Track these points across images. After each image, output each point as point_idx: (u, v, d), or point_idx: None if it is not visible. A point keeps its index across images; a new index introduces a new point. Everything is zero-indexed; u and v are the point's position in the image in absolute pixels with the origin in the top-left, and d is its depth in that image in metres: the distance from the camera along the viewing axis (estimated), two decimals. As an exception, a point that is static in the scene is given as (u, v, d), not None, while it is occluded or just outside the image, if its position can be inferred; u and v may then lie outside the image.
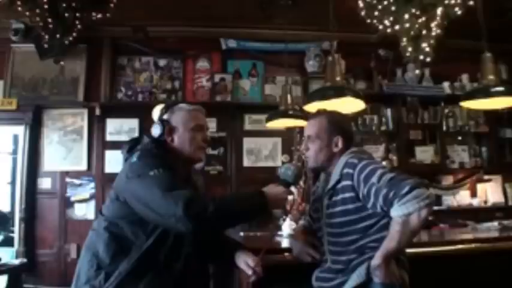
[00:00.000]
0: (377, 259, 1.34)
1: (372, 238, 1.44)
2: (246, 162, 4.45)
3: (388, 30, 2.88)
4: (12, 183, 4.55)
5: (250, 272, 1.50)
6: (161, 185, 1.28)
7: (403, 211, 1.30)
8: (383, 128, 4.51)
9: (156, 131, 1.51)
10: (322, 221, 1.62)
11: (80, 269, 1.41)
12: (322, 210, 1.61)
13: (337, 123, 1.65)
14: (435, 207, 4.35)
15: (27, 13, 3.27)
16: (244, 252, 1.57)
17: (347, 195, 1.49)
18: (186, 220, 1.21)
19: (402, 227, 1.30)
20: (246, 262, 1.52)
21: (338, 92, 2.29)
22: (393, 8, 2.78)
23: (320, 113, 1.72)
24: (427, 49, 2.81)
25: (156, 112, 1.62)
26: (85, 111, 4.31)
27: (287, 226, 2.64)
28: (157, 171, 1.32)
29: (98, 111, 4.23)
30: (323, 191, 1.63)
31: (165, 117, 1.55)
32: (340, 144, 1.61)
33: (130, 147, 1.51)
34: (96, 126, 4.32)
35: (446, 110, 4.56)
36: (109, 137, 4.31)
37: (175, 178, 1.36)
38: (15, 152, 4.58)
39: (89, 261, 1.38)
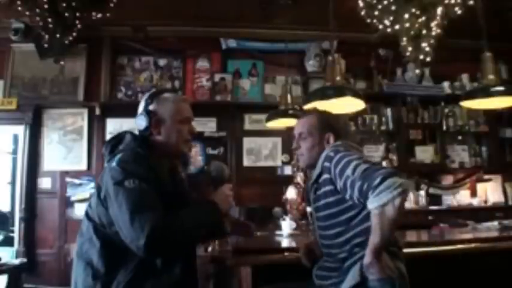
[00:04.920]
0: (367, 257, 1.34)
1: (356, 230, 1.45)
2: (246, 162, 4.45)
3: (388, 29, 2.89)
4: (12, 183, 4.55)
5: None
6: (131, 204, 1.24)
7: (378, 202, 1.30)
8: (383, 127, 4.51)
9: (141, 123, 1.45)
10: (313, 216, 1.65)
11: (76, 279, 1.36)
12: (311, 205, 1.65)
13: (327, 120, 1.68)
14: (435, 207, 4.37)
15: (27, 13, 3.27)
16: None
17: (327, 188, 1.51)
18: (145, 252, 1.21)
19: (380, 219, 1.31)
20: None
21: (338, 91, 2.29)
22: (393, 8, 2.79)
23: (310, 112, 1.75)
24: (427, 49, 2.81)
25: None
26: (85, 111, 4.32)
27: (287, 226, 2.64)
28: (132, 181, 1.27)
29: (97, 111, 4.23)
30: (310, 188, 1.67)
31: (150, 108, 1.46)
32: (331, 141, 1.62)
33: (112, 146, 1.46)
34: (96, 126, 4.32)
35: (446, 110, 4.56)
36: (109, 137, 4.28)
37: (149, 193, 1.30)
38: (15, 151, 4.58)
39: (83, 270, 1.33)
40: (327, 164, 1.50)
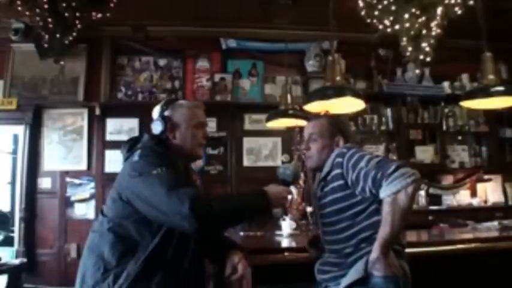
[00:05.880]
0: (375, 252, 1.35)
1: (362, 225, 1.47)
2: (246, 162, 4.46)
3: (388, 29, 2.89)
4: (12, 183, 4.55)
5: (229, 271, 1.50)
6: (165, 184, 1.28)
7: (391, 189, 1.32)
8: (383, 127, 4.52)
9: (157, 127, 1.51)
10: (316, 213, 1.68)
11: (84, 273, 1.37)
12: (316, 203, 1.67)
13: (337, 124, 1.71)
14: (435, 207, 4.37)
15: (27, 13, 3.27)
16: (233, 251, 1.56)
17: (336, 184, 1.53)
18: (192, 218, 1.21)
19: (392, 207, 1.33)
20: (231, 260, 1.51)
21: (338, 91, 2.29)
22: (393, 8, 2.78)
23: (320, 115, 1.82)
24: (427, 49, 2.81)
25: (155, 110, 1.61)
26: (85, 111, 4.31)
27: (287, 226, 2.64)
28: (160, 169, 1.32)
29: (97, 111, 4.23)
30: (316, 186, 1.68)
31: (166, 113, 1.54)
32: (340, 144, 1.65)
33: (130, 146, 1.51)
34: (96, 126, 4.32)
35: (446, 110, 4.56)
36: (109, 137, 4.31)
37: (179, 176, 1.37)
38: (15, 152, 4.58)
39: (94, 264, 1.35)
40: (339, 159, 1.53)
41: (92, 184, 4.24)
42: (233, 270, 1.49)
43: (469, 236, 2.47)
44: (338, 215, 1.52)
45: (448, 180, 4.64)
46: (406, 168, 1.35)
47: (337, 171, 1.53)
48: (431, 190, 4.48)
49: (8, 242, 4.14)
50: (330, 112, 1.92)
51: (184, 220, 1.22)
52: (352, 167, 1.46)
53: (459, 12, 2.74)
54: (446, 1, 2.71)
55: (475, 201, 4.51)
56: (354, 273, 1.41)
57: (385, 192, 1.34)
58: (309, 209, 3.03)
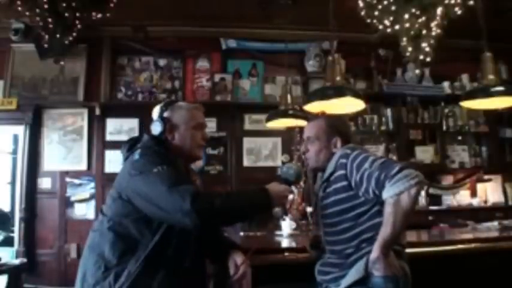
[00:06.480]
0: (375, 251, 1.35)
1: (364, 226, 1.47)
2: (246, 162, 4.46)
3: (388, 29, 2.89)
4: (12, 183, 4.54)
5: (232, 271, 1.51)
6: (166, 181, 1.28)
7: (394, 190, 1.33)
8: (383, 128, 4.51)
9: (156, 128, 1.52)
10: (318, 214, 1.67)
11: (85, 272, 1.38)
12: (318, 203, 1.67)
13: (335, 125, 1.71)
14: (435, 207, 4.37)
15: (27, 13, 3.27)
16: (235, 251, 1.57)
17: (339, 184, 1.53)
18: (194, 214, 1.21)
19: (394, 208, 1.33)
20: (234, 260, 1.53)
21: (338, 91, 2.29)
22: (393, 8, 2.78)
23: (319, 116, 1.81)
24: (427, 49, 2.81)
25: (155, 110, 1.61)
26: (85, 111, 4.31)
27: (287, 226, 2.64)
28: (161, 168, 1.33)
29: (97, 111, 4.23)
30: (319, 187, 1.68)
31: (165, 115, 1.55)
32: (338, 145, 1.65)
33: (130, 145, 1.52)
34: (96, 126, 4.32)
35: (446, 110, 4.56)
36: (109, 137, 4.31)
37: (179, 174, 1.38)
38: (15, 152, 4.58)
39: (94, 262, 1.35)
40: (343, 160, 1.53)
41: (92, 184, 4.24)
42: (236, 270, 1.50)
43: (469, 236, 2.47)
44: (340, 216, 1.52)
45: (448, 180, 4.64)
46: (409, 169, 1.35)
47: (340, 172, 1.53)
48: (431, 190, 4.48)
49: (8, 242, 4.13)
50: (327, 113, 1.90)
51: (185, 216, 1.22)
52: (356, 168, 1.46)
53: (459, 12, 2.74)
54: (446, 1, 2.71)
55: (475, 201, 4.51)
56: (354, 273, 1.42)
57: (388, 193, 1.34)
58: (309, 209, 3.03)
